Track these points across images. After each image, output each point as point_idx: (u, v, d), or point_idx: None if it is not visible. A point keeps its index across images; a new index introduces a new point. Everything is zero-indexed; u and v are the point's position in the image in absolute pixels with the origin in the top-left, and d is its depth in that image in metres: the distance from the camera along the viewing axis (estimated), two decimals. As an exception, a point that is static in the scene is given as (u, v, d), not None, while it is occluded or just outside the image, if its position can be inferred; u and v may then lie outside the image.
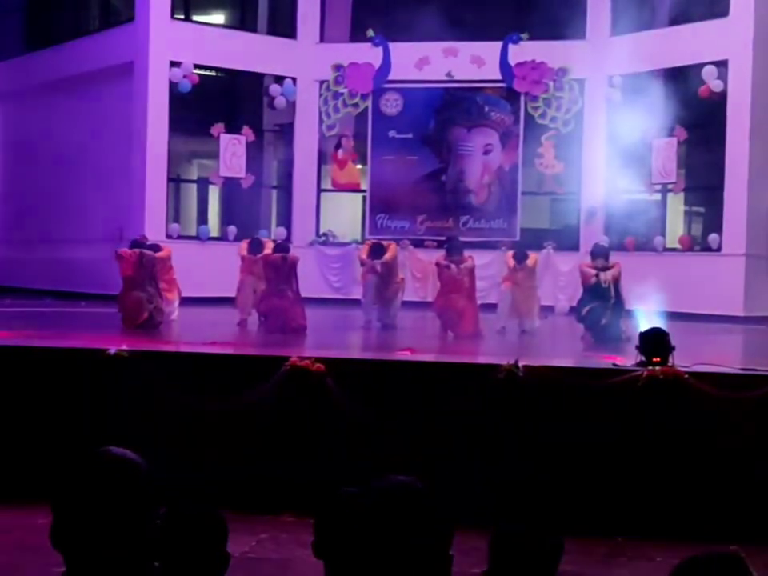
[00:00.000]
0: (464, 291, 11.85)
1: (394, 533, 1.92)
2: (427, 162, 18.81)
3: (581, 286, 12.10)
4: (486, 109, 18.48)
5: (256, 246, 13.16)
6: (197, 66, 17.76)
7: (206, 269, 16.05)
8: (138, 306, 11.44)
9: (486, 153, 18.54)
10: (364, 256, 13.17)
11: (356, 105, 18.93)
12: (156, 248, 12.54)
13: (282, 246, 12.67)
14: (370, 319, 12.87)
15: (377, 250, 13.08)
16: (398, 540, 1.92)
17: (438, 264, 12.29)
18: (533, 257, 13.11)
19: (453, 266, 11.96)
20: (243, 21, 19.26)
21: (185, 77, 17.56)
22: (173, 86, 17.56)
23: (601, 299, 11.33)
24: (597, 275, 11.53)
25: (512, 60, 18.21)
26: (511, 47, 18.21)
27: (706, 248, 16.41)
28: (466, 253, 12.31)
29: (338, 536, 3.05)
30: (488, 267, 16.08)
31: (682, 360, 7.56)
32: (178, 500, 2.84)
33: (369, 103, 18.86)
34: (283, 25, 19.24)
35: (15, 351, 8.20)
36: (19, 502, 7.02)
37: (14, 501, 7.19)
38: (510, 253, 13.35)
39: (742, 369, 7.80)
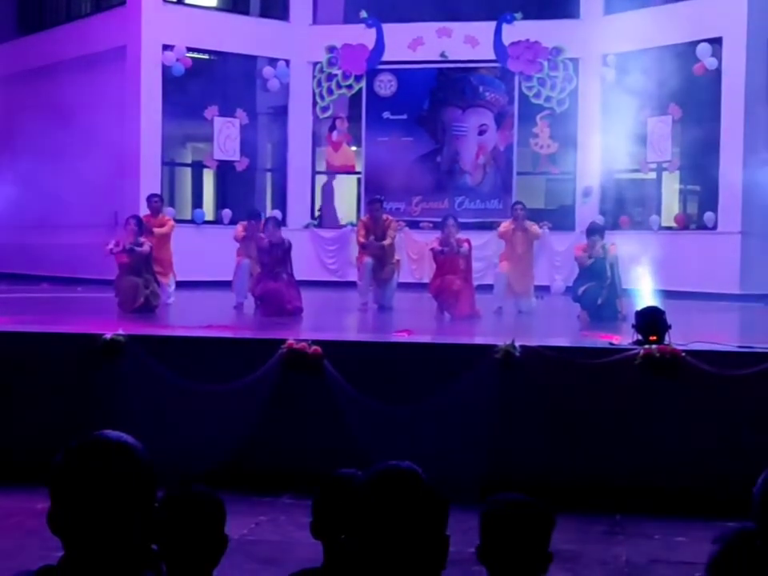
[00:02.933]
0: (460, 273, 11.84)
1: (391, 514, 1.93)
2: (422, 143, 18.77)
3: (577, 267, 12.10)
4: (481, 89, 18.44)
5: (256, 218, 13.24)
6: (189, 50, 17.70)
7: (201, 253, 16.04)
8: (134, 290, 11.44)
9: (481, 133, 18.51)
10: (362, 240, 13.06)
11: (350, 86, 18.88)
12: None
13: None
14: (366, 301, 12.85)
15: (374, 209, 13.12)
16: (394, 521, 1.92)
17: (432, 250, 12.27)
18: (535, 226, 13.04)
19: (446, 249, 11.94)
20: (235, 3, 19.21)
21: (177, 60, 17.51)
22: (165, 69, 17.51)
23: (597, 279, 11.33)
24: (590, 256, 11.54)
25: (506, 40, 18.15)
26: (505, 27, 18.15)
27: (702, 226, 16.42)
28: (462, 235, 12.28)
29: (335, 517, 3.07)
30: (484, 248, 16.08)
31: (679, 338, 7.57)
32: (176, 483, 2.84)
33: (363, 85, 18.82)
34: (276, 7, 19.18)
35: (12, 336, 8.20)
36: (19, 486, 7.04)
37: (13, 485, 7.21)
38: (507, 222, 13.22)
39: (739, 346, 7.82)
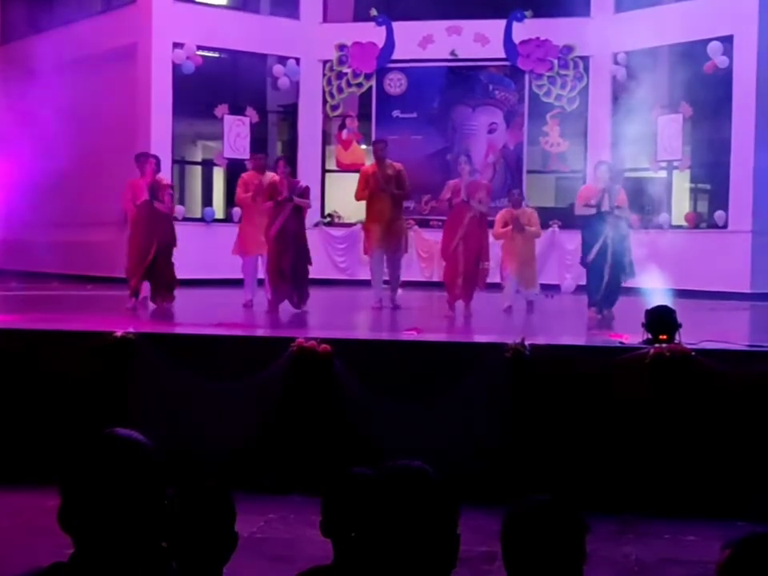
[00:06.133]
0: (474, 239, 11.65)
1: (401, 512, 1.93)
2: (432, 141, 18.76)
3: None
4: (491, 87, 18.42)
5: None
6: (200, 48, 17.71)
7: (211, 251, 16.05)
8: (147, 246, 11.55)
9: (491, 132, 18.49)
10: (361, 194, 12.73)
11: (360, 85, 18.88)
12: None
13: None
14: (381, 299, 12.60)
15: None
16: (404, 519, 1.92)
17: (438, 202, 12.16)
18: (533, 228, 12.91)
19: (455, 200, 11.79)
20: (246, 1, 19.20)
21: (188, 58, 17.52)
22: (176, 67, 17.53)
23: (601, 226, 11.16)
24: (594, 204, 11.34)
25: (516, 38, 18.13)
26: (515, 25, 18.13)
27: (713, 225, 16.38)
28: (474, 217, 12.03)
29: (345, 515, 3.07)
30: (492, 246, 16.01)
31: (689, 337, 7.55)
32: (186, 480, 2.85)
33: (373, 83, 18.81)
34: (286, 5, 19.18)
35: (22, 335, 8.22)
36: (29, 483, 7.05)
37: (24, 483, 7.22)
38: (503, 211, 13.13)
39: (749, 345, 7.80)
